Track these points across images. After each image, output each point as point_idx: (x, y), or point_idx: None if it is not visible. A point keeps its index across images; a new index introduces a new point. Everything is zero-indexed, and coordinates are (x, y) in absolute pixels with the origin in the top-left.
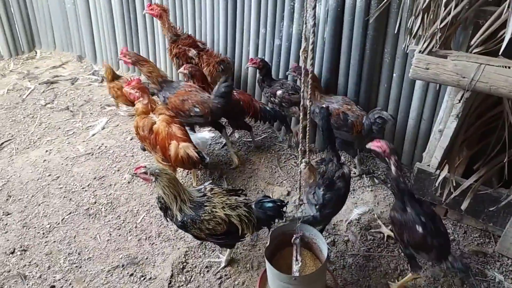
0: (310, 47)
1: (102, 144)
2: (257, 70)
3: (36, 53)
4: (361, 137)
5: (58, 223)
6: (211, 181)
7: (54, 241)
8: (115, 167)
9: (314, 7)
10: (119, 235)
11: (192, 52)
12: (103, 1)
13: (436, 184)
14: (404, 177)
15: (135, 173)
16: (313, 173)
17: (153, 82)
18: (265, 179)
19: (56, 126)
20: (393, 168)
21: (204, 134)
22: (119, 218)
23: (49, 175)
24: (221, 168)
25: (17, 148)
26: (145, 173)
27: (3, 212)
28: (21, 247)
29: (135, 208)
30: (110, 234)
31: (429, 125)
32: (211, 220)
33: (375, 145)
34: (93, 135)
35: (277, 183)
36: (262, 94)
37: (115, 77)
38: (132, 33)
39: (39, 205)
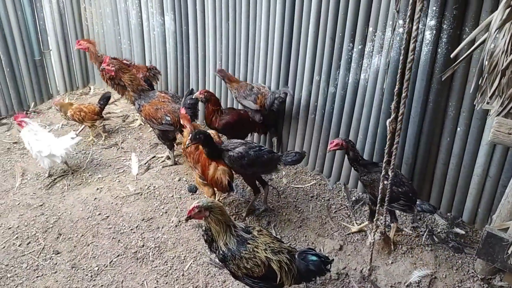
0: (400, 117)
1: (151, 184)
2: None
3: (90, 89)
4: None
5: (106, 266)
6: None
7: (102, 285)
8: (163, 208)
9: (406, 91)
10: (166, 283)
11: None
12: (158, 41)
13: (509, 252)
14: (360, 155)
15: (189, 216)
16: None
17: (133, 90)
18: (315, 230)
19: (107, 164)
20: (351, 153)
21: (65, 143)
22: (166, 264)
23: (99, 214)
24: (270, 215)
25: (69, 185)
26: (199, 211)
27: (53, 251)
28: None
29: (182, 254)
30: (157, 281)
31: (496, 183)
32: (250, 259)
33: (333, 144)
34: (139, 173)
35: (328, 235)
36: None
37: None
38: (183, 73)
39: (88, 245)
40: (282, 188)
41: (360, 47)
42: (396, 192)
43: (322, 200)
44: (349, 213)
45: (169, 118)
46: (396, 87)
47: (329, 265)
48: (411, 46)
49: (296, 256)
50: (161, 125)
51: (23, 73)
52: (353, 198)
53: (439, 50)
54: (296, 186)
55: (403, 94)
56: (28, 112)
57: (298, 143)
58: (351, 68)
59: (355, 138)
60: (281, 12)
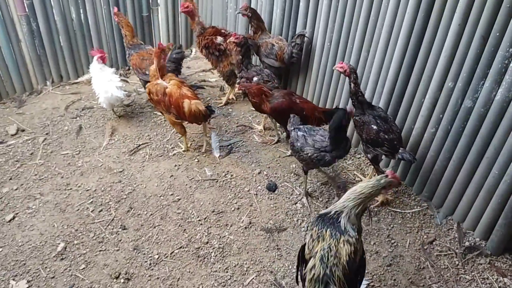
0: None
1: (229, 171)
2: (239, 47)
3: (191, 51)
4: (285, 65)
5: (167, 256)
6: None
7: (158, 278)
8: (236, 203)
9: None
10: None
11: (219, 39)
12: (265, 10)
13: None
14: (360, 91)
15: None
16: None
17: (126, 43)
18: (408, 274)
19: (191, 138)
20: (352, 84)
21: (118, 93)
22: (227, 272)
23: (172, 194)
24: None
25: (151, 154)
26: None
27: (121, 225)
28: (126, 274)
29: (246, 263)
30: None
31: None
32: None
33: (338, 66)
34: (220, 156)
35: (424, 285)
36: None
37: None
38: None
39: (155, 227)
40: (375, 209)
41: None
42: (382, 138)
43: (425, 237)
44: (457, 262)
45: None
46: None
47: None
48: None
49: None
50: (145, 75)
51: None
52: (466, 243)
53: None
54: (393, 209)
55: None
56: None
57: None
58: (504, 81)
59: (487, 170)
60: None
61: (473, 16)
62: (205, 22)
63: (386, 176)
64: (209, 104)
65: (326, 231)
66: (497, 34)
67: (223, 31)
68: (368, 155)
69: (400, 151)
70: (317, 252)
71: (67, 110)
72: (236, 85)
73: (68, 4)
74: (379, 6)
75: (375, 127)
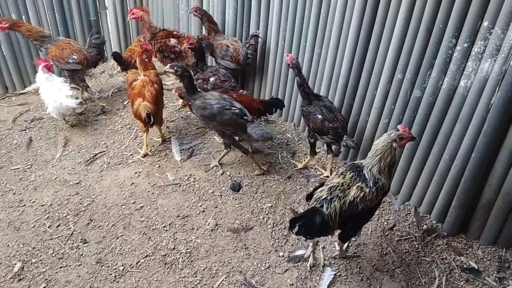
0: None
1: (191, 174)
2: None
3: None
4: (241, 66)
5: (132, 267)
6: None
7: None
8: (200, 206)
9: None
10: None
11: (173, 41)
12: (217, 11)
13: None
14: (306, 83)
15: None
16: None
17: (34, 39)
18: (372, 261)
19: (150, 144)
20: (297, 77)
21: (68, 102)
22: (196, 276)
23: (134, 202)
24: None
25: (109, 163)
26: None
27: (81, 239)
28: None
29: (215, 266)
30: None
31: None
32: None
33: (288, 57)
34: (182, 159)
35: (388, 271)
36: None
37: None
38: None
39: (118, 238)
40: None
41: (466, 45)
42: (327, 126)
43: (385, 223)
44: (417, 246)
45: (75, 57)
46: None
47: None
48: None
49: None
50: (68, 64)
51: (77, 34)
52: (424, 227)
53: None
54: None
55: None
56: None
57: (365, 149)
58: (449, 70)
59: (439, 156)
60: None
61: (417, 10)
62: (156, 25)
63: (397, 130)
64: (152, 113)
65: (349, 173)
66: (441, 25)
67: (175, 33)
68: (311, 140)
69: (344, 138)
70: (332, 183)
71: (15, 122)
72: (174, 91)
73: (9, 11)
74: (329, 3)
75: (320, 116)
